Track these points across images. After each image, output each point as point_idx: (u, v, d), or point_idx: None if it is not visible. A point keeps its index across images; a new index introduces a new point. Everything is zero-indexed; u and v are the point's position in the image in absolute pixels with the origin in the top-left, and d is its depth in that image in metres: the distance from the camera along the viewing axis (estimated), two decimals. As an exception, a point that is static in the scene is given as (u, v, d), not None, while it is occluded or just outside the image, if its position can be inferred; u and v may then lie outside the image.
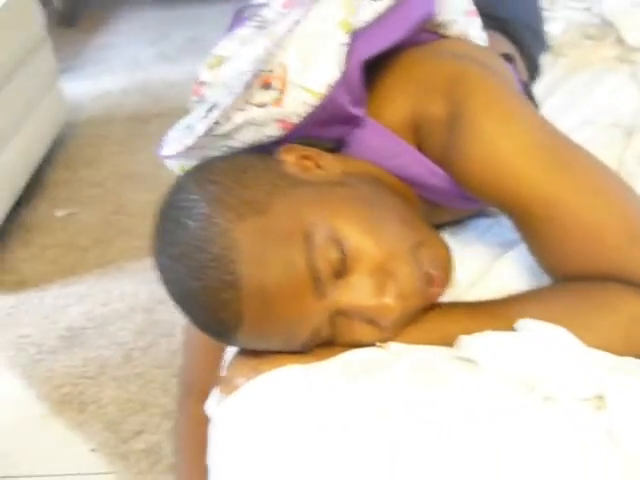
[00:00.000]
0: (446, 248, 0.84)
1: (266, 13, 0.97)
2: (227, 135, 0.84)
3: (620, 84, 1.40)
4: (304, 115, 0.82)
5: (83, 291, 2.04)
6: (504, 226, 0.98)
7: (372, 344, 0.80)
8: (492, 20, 1.18)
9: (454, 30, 1.01)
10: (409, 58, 0.92)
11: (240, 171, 0.77)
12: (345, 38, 0.83)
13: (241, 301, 0.71)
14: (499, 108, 0.82)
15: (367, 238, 0.76)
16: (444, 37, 1.00)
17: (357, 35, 0.84)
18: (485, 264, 0.94)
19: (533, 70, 1.32)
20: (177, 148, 0.86)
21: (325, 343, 0.79)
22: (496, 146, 0.80)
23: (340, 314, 0.77)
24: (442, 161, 0.86)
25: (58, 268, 2.14)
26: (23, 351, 1.84)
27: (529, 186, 0.79)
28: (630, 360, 0.74)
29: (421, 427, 0.69)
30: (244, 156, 0.83)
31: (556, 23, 1.59)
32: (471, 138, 0.81)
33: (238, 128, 0.83)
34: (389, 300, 0.75)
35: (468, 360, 0.75)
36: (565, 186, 0.79)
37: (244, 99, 0.81)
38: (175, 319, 1.86)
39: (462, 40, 1.02)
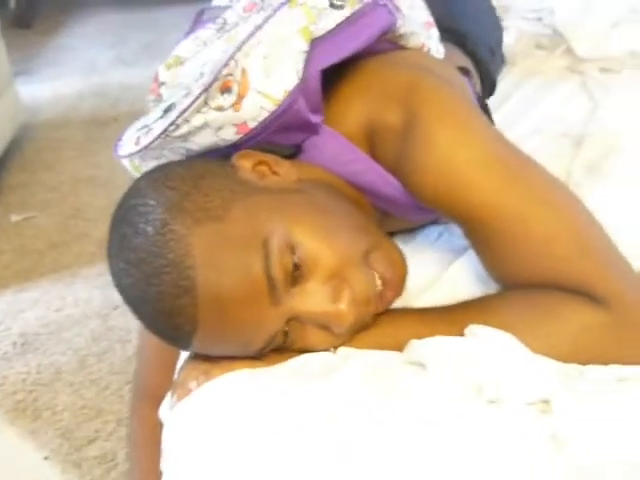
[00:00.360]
0: (399, 253, 0.85)
1: (227, 16, 0.97)
2: (184, 137, 0.83)
3: (570, 93, 1.43)
4: (261, 120, 0.82)
5: (37, 296, 2.01)
6: (454, 234, 0.99)
7: (325, 350, 0.80)
8: (450, 34, 1.20)
9: (414, 42, 1.02)
10: (367, 67, 0.92)
11: (198, 177, 0.77)
12: (305, 46, 0.83)
13: (197, 307, 0.72)
14: (453, 119, 0.83)
15: (322, 245, 0.77)
16: (403, 48, 1.01)
17: (317, 43, 0.85)
18: (436, 270, 0.95)
19: (489, 86, 1.34)
20: (133, 148, 0.86)
21: (277, 349, 0.79)
22: (449, 157, 0.81)
23: (294, 320, 0.77)
24: (395, 171, 0.87)
25: (13, 273, 2.12)
26: (-25, 358, 1.82)
27: (481, 197, 0.80)
28: (574, 366, 0.75)
29: (369, 430, 0.69)
30: (201, 162, 0.83)
31: (508, 33, 1.62)
32: (425, 148, 0.82)
33: (195, 130, 0.83)
34: (343, 306, 0.76)
35: (417, 364, 0.76)
36: (516, 198, 0.80)
37: (203, 101, 0.81)
38: (130, 325, 1.85)
39: (420, 52, 1.03)
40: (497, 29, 1.48)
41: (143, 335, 1.17)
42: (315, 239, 0.77)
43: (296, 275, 0.75)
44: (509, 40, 1.61)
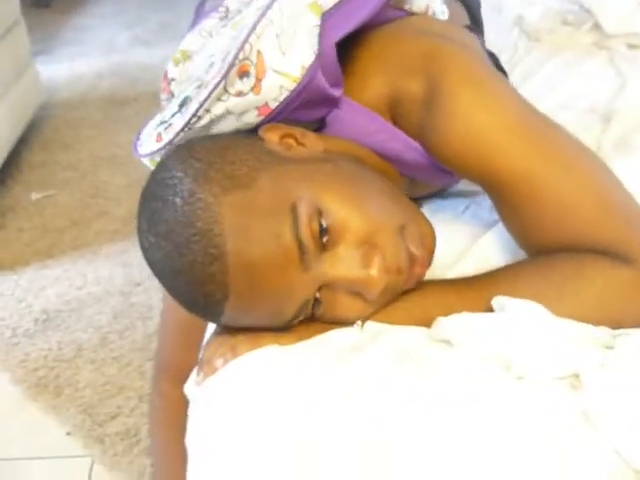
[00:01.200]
0: (431, 228, 0.84)
1: (229, 3, 0.97)
2: (207, 127, 0.83)
3: (597, 69, 1.41)
4: (282, 99, 0.82)
5: (59, 274, 2.03)
6: (482, 207, 0.99)
7: (354, 320, 0.80)
8: None
9: (418, 5, 1.02)
10: (380, 37, 0.92)
11: (223, 148, 0.77)
12: (316, 20, 0.83)
13: (227, 274, 0.71)
14: (475, 83, 0.83)
15: (352, 211, 0.76)
16: (410, 14, 1.01)
17: (327, 16, 0.85)
18: (464, 243, 0.94)
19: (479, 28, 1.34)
20: (155, 146, 0.85)
21: (305, 321, 0.79)
22: (473, 120, 0.81)
23: (325, 287, 0.77)
24: (420, 137, 0.87)
25: (34, 251, 2.13)
26: (-2, 334, 1.83)
27: (506, 160, 0.81)
28: (606, 331, 0.74)
29: (397, 411, 0.69)
30: (227, 135, 0.83)
31: (534, 8, 1.60)
32: (449, 113, 0.82)
33: (217, 119, 0.82)
34: (375, 272, 0.75)
35: (444, 341, 0.75)
36: (541, 161, 0.80)
37: (222, 89, 0.81)
38: (151, 302, 1.86)
39: (427, 17, 1.03)
40: None
41: (166, 313, 1.17)
42: (344, 205, 0.76)
43: (326, 241, 0.75)
44: (534, 16, 1.59)
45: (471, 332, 0.74)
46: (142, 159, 0.90)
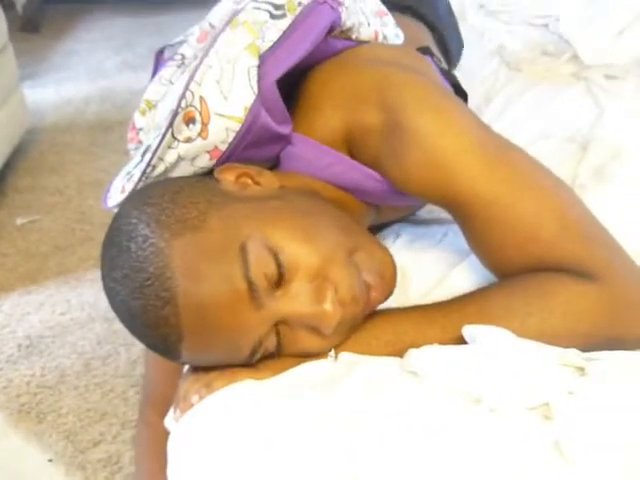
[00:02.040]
0: (385, 252, 0.85)
1: (184, 50, 0.99)
2: (163, 175, 0.85)
3: (576, 99, 1.43)
4: (230, 141, 0.84)
5: (43, 300, 2.02)
6: (459, 234, 1.00)
7: (318, 353, 0.80)
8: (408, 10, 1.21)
9: (365, 33, 1.02)
10: (328, 70, 0.94)
11: (175, 192, 0.78)
12: (254, 61, 0.85)
13: (179, 316, 0.72)
14: (430, 109, 0.85)
15: (303, 246, 0.77)
16: (360, 43, 1.01)
17: (266, 56, 0.86)
18: (441, 271, 0.96)
19: (450, 59, 1.36)
20: (120, 197, 0.87)
21: (273, 355, 0.80)
22: (432, 148, 0.83)
23: (282, 324, 0.77)
24: (378, 167, 0.88)
25: (18, 276, 2.12)
26: (-20, 360, 1.82)
27: (466, 184, 0.82)
28: (574, 353, 0.75)
29: (368, 444, 0.69)
30: (181, 178, 0.85)
31: (515, 39, 1.62)
32: (406, 143, 0.83)
33: (171, 166, 0.85)
34: (328, 306, 0.76)
35: (415, 373, 0.76)
36: (501, 183, 0.82)
37: (171, 137, 0.83)
38: (135, 328, 1.85)
39: (376, 44, 1.03)
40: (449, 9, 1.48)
41: None
42: (294, 240, 0.77)
43: (277, 278, 0.75)
44: (515, 47, 1.61)
45: (441, 365, 0.75)
46: (111, 211, 0.91)
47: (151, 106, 0.98)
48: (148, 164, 0.83)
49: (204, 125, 0.83)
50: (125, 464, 1.51)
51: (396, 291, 0.85)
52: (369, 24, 1.02)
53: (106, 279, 0.78)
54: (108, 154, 2.69)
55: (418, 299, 0.90)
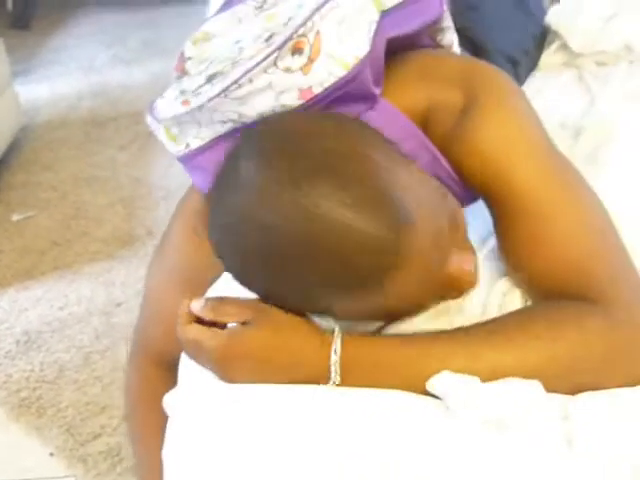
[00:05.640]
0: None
1: None
2: (242, 99, 0.82)
3: (567, 87, 1.44)
4: (327, 86, 0.81)
5: (40, 295, 2.03)
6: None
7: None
8: (465, 42, 1.20)
9: (447, 39, 1.04)
10: (419, 57, 0.95)
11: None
12: (376, 15, 0.84)
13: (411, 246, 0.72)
14: (509, 104, 0.87)
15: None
16: (438, 47, 1.04)
17: (384, 15, 0.87)
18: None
19: None
20: (180, 109, 0.85)
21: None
22: (499, 134, 0.84)
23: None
24: (445, 145, 0.88)
25: (14, 272, 2.13)
26: (-21, 356, 1.83)
27: (522, 176, 0.83)
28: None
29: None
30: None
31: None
32: (477, 125, 0.85)
33: (256, 92, 0.81)
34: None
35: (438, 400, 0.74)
36: (555, 187, 0.83)
37: (272, 61, 0.80)
38: (133, 322, 1.85)
39: (454, 50, 1.07)
40: (524, 30, 1.51)
41: (150, 291, 1.15)
42: None
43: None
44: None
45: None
46: (153, 129, 0.92)
47: (207, 38, 0.95)
48: (235, 81, 0.80)
49: (310, 60, 0.80)
50: (126, 456, 1.52)
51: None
52: (451, 31, 1.05)
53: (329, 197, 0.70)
54: (102, 149, 2.69)
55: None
